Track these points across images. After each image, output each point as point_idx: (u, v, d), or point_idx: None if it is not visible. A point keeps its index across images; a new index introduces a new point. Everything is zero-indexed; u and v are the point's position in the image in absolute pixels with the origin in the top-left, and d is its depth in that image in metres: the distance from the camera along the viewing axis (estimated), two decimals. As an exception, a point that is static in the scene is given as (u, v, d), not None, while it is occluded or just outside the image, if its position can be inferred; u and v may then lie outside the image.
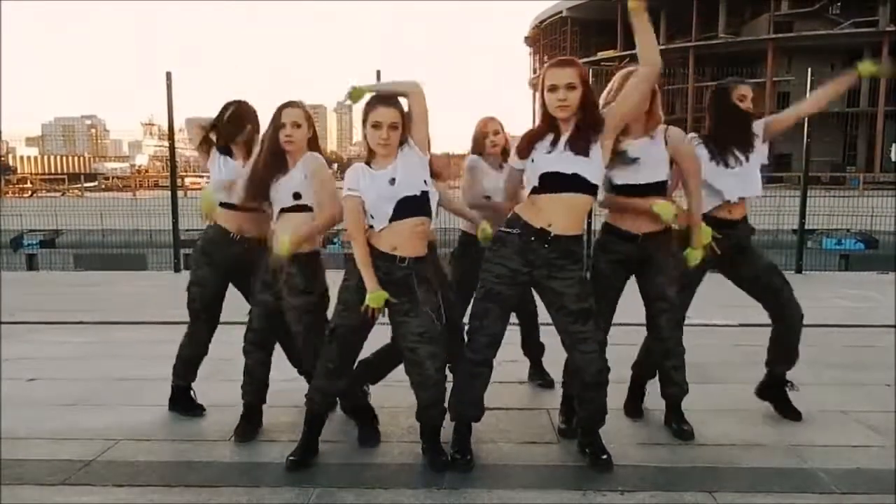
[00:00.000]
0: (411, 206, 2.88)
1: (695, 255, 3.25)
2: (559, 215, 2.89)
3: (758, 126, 3.46)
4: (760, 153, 3.43)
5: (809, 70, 9.21)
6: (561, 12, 56.29)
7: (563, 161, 2.85)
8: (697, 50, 48.85)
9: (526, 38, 66.02)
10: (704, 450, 3.21)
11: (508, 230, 2.96)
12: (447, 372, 3.06)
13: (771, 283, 3.45)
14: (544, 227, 2.89)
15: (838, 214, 11.38)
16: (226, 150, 3.52)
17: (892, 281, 8.22)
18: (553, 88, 2.84)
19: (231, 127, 3.48)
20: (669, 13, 49.47)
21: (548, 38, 59.57)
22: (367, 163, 2.95)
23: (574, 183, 2.85)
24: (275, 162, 3.19)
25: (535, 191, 2.92)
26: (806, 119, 9.11)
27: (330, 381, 3.05)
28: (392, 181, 2.87)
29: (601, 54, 50.92)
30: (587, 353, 2.95)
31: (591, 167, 2.85)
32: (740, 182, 3.37)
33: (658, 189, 3.19)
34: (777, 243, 9.30)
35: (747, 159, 3.38)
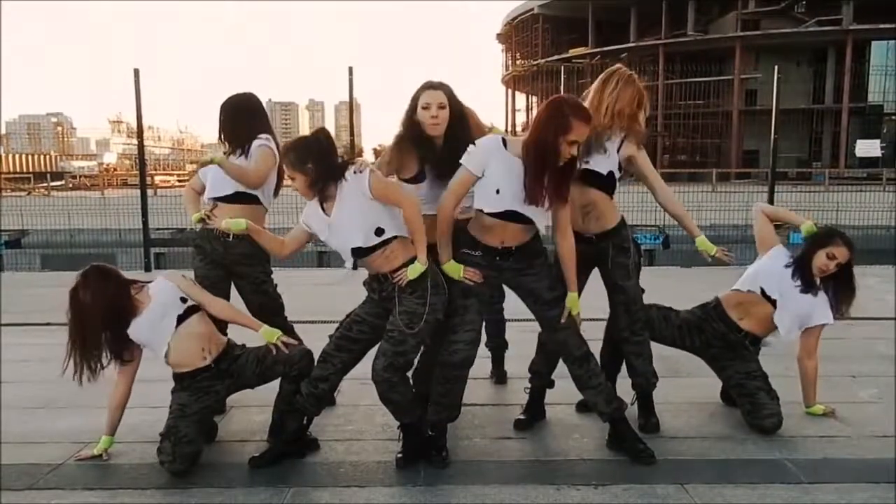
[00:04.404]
0: (363, 251, 2.90)
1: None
2: (512, 236, 2.95)
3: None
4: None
5: (776, 67, 9.40)
6: (532, 9, 56.38)
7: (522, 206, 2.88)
8: (667, 47, 49.21)
9: (498, 36, 66.08)
10: (676, 442, 3.26)
11: (470, 252, 2.99)
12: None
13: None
14: (503, 244, 2.95)
15: (805, 209, 11.56)
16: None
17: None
18: (573, 143, 2.77)
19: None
20: (639, 11, 49.86)
21: (519, 36, 59.66)
22: (322, 201, 2.92)
23: (524, 219, 2.91)
24: None
25: (485, 211, 2.93)
26: (773, 116, 9.28)
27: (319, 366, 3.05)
28: (328, 227, 2.91)
29: (573, 51, 51.22)
30: (567, 332, 3.06)
31: (541, 215, 2.92)
32: None
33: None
34: (746, 238, 9.41)
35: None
